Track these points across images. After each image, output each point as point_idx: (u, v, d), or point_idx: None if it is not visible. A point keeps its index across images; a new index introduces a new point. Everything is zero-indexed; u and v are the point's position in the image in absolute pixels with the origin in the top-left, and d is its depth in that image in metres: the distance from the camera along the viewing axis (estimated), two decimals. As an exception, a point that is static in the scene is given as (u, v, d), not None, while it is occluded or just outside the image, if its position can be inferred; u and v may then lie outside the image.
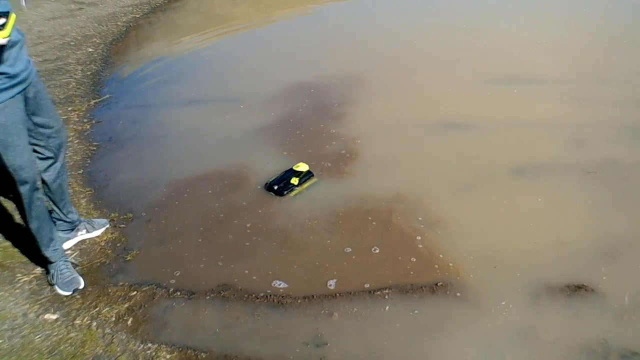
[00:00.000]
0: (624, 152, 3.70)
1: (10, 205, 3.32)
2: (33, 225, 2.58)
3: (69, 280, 2.72)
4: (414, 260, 2.79)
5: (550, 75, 4.95)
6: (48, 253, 2.70)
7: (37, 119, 2.51)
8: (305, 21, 7.46)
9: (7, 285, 2.74)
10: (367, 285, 2.66)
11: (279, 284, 2.70)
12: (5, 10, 2.09)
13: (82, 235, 3.15)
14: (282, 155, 3.82)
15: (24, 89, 2.36)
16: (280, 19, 7.56)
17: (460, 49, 5.69)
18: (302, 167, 3.49)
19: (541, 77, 4.92)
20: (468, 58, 5.45)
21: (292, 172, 3.47)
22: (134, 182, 3.61)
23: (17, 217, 3.21)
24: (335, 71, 5.25)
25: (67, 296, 2.69)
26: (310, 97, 4.71)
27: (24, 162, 2.38)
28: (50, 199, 2.84)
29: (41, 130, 2.56)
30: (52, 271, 2.75)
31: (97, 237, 3.12)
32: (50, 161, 2.70)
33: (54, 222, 2.88)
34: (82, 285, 2.74)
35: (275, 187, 3.39)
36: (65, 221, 2.97)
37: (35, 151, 2.59)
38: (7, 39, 2.09)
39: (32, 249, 2.96)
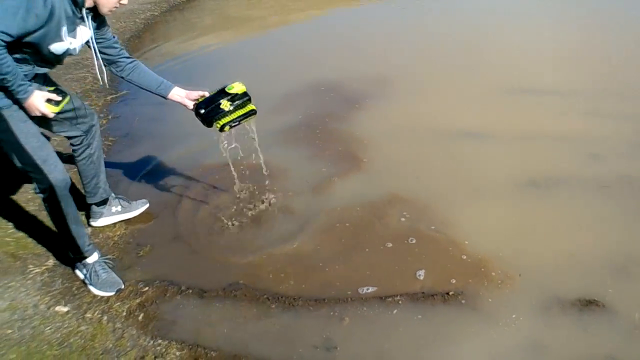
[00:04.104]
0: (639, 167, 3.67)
1: (24, 197, 3.33)
2: (72, 227, 2.52)
3: (109, 281, 2.67)
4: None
5: (566, 88, 4.89)
6: (87, 252, 2.64)
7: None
8: (321, 24, 7.47)
9: (19, 275, 2.75)
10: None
11: (367, 290, 2.65)
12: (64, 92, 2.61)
13: (117, 213, 3.16)
14: (300, 155, 3.83)
15: None
16: (295, 21, 7.59)
17: (479, 59, 5.67)
18: (237, 87, 2.72)
19: (558, 89, 4.87)
20: (486, 68, 5.42)
21: (223, 94, 2.71)
22: (149, 178, 3.63)
23: (32, 208, 3.24)
24: (353, 75, 5.25)
25: (109, 297, 2.64)
26: (327, 100, 4.71)
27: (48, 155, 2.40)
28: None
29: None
30: (84, 271, 2.68)
31: (112, 230, 3.14)
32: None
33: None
34: (123, 286, 2.69)
35: (202, 111, 2.69)
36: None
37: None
38: (54, 114, 2.45)
39: (45, 240, 2.98)
